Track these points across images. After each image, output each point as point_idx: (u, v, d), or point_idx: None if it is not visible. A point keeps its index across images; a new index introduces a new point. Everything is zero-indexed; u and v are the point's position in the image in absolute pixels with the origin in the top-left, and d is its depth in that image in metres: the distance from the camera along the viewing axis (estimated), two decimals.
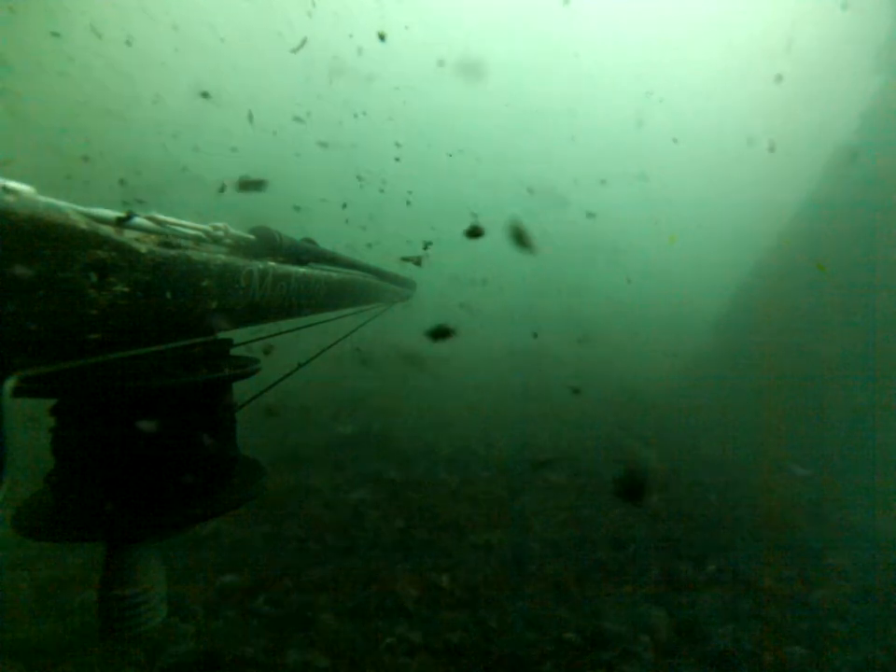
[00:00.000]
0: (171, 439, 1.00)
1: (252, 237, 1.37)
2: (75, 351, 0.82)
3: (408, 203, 11.78)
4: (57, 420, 0.99)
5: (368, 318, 3.15)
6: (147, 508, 0.98)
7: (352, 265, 2.38)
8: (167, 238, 1.00)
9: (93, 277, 0.75)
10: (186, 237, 1.09)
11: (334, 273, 1.96)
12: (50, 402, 0.98)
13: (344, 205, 11.27)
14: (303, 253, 1.61)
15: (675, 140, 18.63)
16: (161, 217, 1.08)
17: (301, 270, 1.50)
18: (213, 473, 1.09)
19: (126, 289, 0.81)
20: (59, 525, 0.96)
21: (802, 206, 8.98)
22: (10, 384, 0.68)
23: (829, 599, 3.10)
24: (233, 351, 1.26)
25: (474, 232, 1.32)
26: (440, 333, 1.23)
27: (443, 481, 4.59)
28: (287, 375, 1.56)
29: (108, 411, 0.94)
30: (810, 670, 2.54)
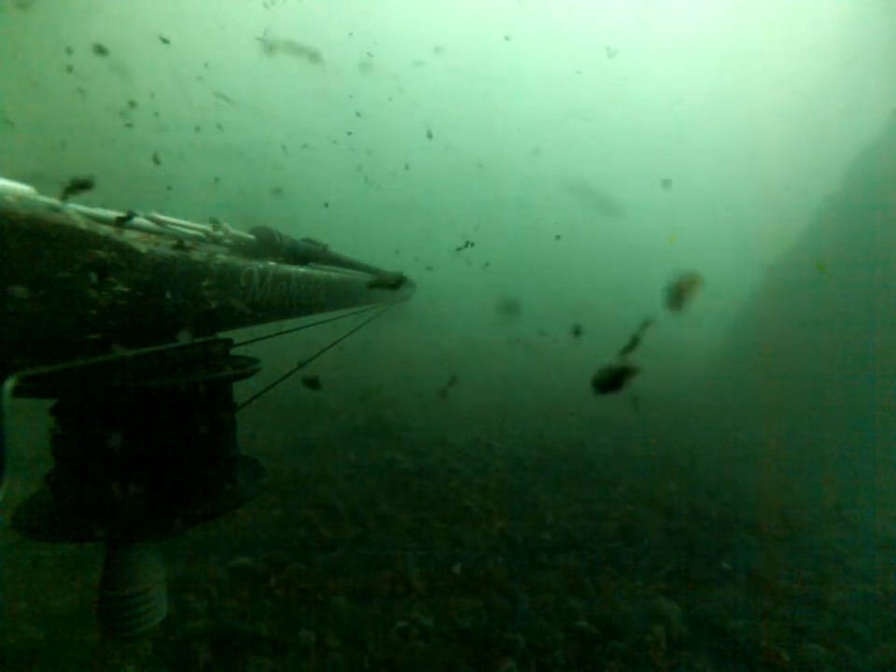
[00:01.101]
0: (171, 439, 1.00)
1: (252, 237, 1.37)
2: (75, 351, 0.81)
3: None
4: (57, 420, 0.98)
5: (368, 318, 3.15)
6: (146, 508, 0.97)
7: (352, 265, 2.38)
8: (167, 238, 1.01)
9: (93, 277, 0.75)
10: (186, 237, 1.10)
11: (334, 273, 1.96)
12: (50, 402, 0.98)
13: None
14: (303, 253, 1.61)
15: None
16: (161, 216, 1.09)
17: (301, 270, 1.50)
18: (213, 473, 1.09)
19: (126, 289, 0.82)
20: (59, 525, 0.96)
21: (819, 209, 8.71)
22: (10, 384, 0.68)
23: (850, 601, 3.02)
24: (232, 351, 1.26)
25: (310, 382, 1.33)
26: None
27: (456, 470, 4.62)
28: (288, 375, 1.57)
29: (108, 411, 0.94)
30: (830, 669, 2.48)
